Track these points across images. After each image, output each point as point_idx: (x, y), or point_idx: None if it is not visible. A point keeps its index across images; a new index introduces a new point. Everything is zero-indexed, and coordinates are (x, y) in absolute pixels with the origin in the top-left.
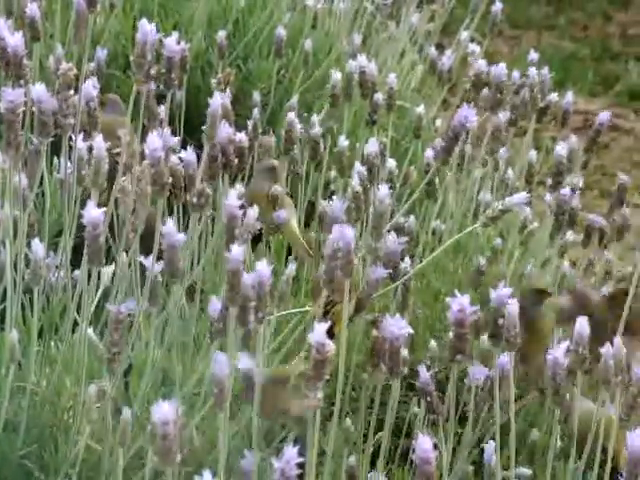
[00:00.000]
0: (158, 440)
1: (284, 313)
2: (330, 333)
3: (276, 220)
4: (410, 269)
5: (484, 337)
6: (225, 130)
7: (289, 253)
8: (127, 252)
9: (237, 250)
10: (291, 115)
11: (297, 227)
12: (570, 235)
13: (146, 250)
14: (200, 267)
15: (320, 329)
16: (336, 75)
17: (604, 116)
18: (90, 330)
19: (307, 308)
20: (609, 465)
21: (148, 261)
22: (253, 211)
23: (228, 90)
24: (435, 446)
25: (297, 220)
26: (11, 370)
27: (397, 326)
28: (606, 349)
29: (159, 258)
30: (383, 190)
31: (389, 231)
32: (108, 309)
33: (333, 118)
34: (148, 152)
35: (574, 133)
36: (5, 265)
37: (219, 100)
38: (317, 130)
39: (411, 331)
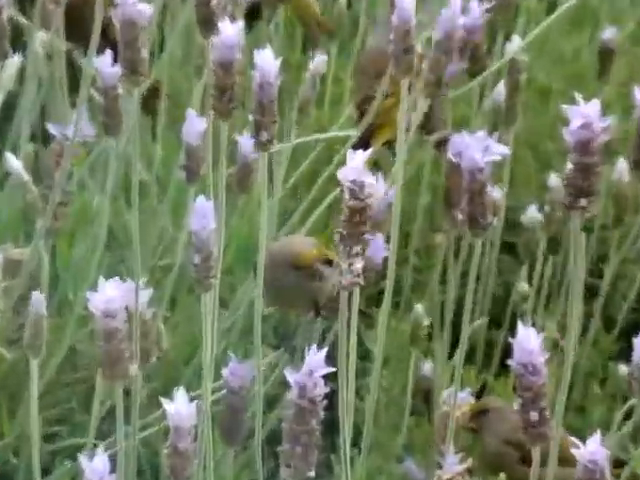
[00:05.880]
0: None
1: (308, 139)
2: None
3: None
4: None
5: None
6: None
7: (306, 39)
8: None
9: (229, 29)
10: None
11: None
12: None
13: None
14: (165, 58)
15: (356, 160)
16: None
17: None
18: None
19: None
20: None
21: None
22: None
23: None
24: None
25: None
26: None
27: (479, 148)
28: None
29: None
30: None
31: None
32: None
33: None
34: None
35: None
36: None
37: None
38: None
39: (508, 152)
